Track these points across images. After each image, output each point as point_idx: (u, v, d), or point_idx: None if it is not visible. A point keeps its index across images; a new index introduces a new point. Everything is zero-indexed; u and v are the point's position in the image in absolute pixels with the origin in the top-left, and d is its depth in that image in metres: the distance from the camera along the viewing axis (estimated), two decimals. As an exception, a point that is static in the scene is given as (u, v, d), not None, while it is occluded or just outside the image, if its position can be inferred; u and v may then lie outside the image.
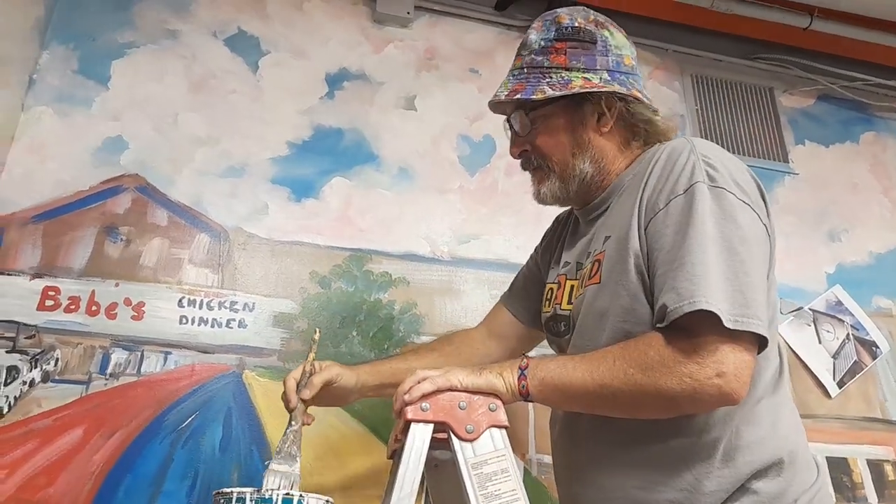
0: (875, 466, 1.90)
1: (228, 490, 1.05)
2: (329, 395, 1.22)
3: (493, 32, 2.16)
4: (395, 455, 1.26)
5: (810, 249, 2.15)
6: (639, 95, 1.12)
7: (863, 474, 1.88)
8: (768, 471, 0.97)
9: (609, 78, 1.11)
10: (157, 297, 1.62)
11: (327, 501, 1.09)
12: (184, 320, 1.61)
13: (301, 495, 1.04)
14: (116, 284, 1.61)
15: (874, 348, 2.08)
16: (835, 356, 2.04)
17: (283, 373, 1.60)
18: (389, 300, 1.75)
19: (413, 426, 1.02)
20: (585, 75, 1.11)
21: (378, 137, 1.93)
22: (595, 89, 1.10)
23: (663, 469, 1.00)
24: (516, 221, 1.90)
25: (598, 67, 1.11)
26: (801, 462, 1.00)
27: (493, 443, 1.01)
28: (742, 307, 0.88)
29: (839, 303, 2.12)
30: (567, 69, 1.12)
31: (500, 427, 1.02)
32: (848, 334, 2.08)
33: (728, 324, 0.86)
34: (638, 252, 1.01)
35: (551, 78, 1.11)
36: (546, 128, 1.15)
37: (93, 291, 1.60)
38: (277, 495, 1.02)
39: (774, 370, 1.04)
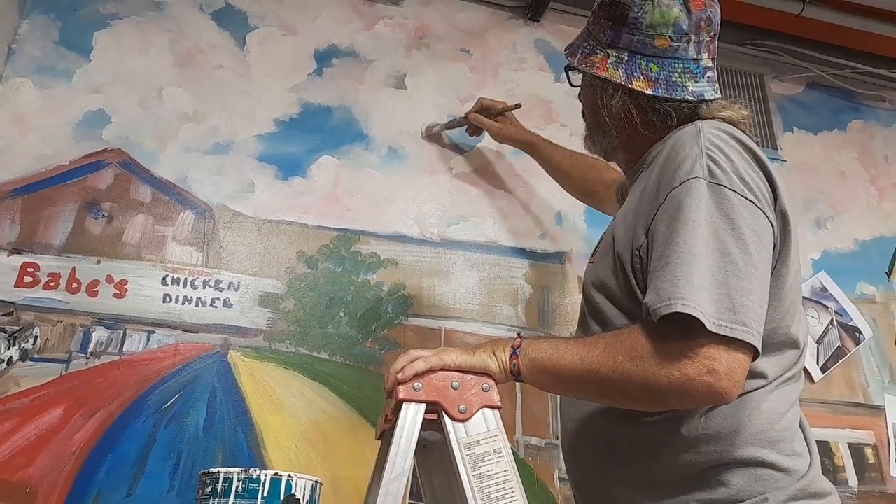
0: (856, 450, 1.92)
1: (215, 470, 1.03)
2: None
3: (486, 13, 2.13)
4: (385, 435, 1.24)
5: (797, 236, 2.16)
6: (640, 87, 1.09)
7: (844, 458, 1.90)
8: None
9: (627, 59, 1.09)
10: (140, 275, 1.59)
11: (316, 482, 1.07)
12: (167, 299, 1.58)
13: (290, 475, 1.02)
14: (98, 261, 1.57)
15: (857, 334, 2.10)
16: (819, 342, 2.05)
17: (270, 353, 1.60)
18: (377, 281, 1.73)
19: (405, 406, 1.01)
20: (608, 51, 1.11)
21: (367, 116, 1.90)
22: (600, 73, 1.10)
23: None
24: (506, 204, 1.88)
25: (621, 45, 1.10)
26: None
27: (486, 423, 1.00)
28: (729, 312, 0.85)
29: (824, 289, 2.13)
30: (597, 41, 1.14)
31: (492, 407, 1.01)
32: (832, 320, 2.10)
33: (711, 327, 0.84)
34: (629, 243, 1.01)
35: (587, 45, 1.15)
36: (582, 89, 1.23)
37: (73, 268, 1.56)
38: (266, 475, 1.01)
39: (787, 365, 1.01)
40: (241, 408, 1.52)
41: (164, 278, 1.59)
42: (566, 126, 1.99)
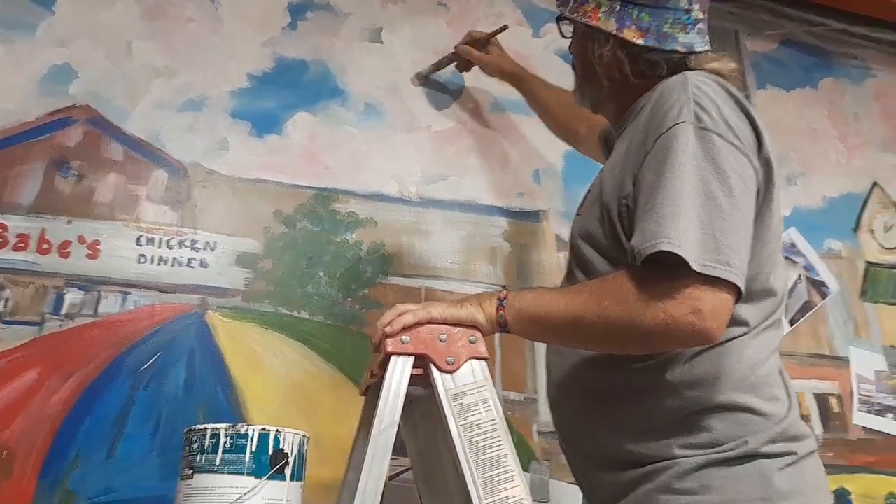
0: (822, 400, 1.99)
1: (202, 427, 1.03)
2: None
3: (462, -34, 2.08)
4: (371, 390, 1.25)
5: (769, 193, 2.19)
6: (631, 37, 1.08)
7: (810, 408, 1.97)
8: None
9: (619, 8, 1.08)
10: (114, 236, 1.55)
11: (304, 436, 1.08)
12: (142, 259, 1.55)
13: (277, 430, 1.02)
14: (69, 221, 1.53)
15: (824, 288, 2.15)
16: (788, 296, 2.10)
17: (249, 313, 1.58)
18: (357, 240, 1.72)
19: (393, 359, 1.01)
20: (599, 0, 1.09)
21: (344, 71, 1.86)
22: (591, 22, 1.09)
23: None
24: (483, 163, 1.87)
25: None
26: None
27: (474, 374, 1.01)
28: (713, 252, 0.86)
29: (793, 245, 2.18)
30: None
31: (480, 359, 1.02)
32: (800, 275, 2.15)
33: (695, 266, 0.85)
34: (616, 192, 1.02)
35: None
36: (573, 40, 1.22)
37: (43, 229, 1.51)
38: (253, 430, 1.01)
39: (767, 313, 1.03)
40: (220, 368, 1.51)
41: (138, 238, 1.56)
42: (544, 83, 1.97)
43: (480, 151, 1.88)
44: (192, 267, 1.57)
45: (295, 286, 1.63)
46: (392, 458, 1.50)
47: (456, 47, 1.81)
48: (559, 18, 1.23)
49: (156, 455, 1.41)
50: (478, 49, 1.78)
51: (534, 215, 1.84)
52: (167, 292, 1.54)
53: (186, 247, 1.58)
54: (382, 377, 1.02)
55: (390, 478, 1.50)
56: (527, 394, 1.69)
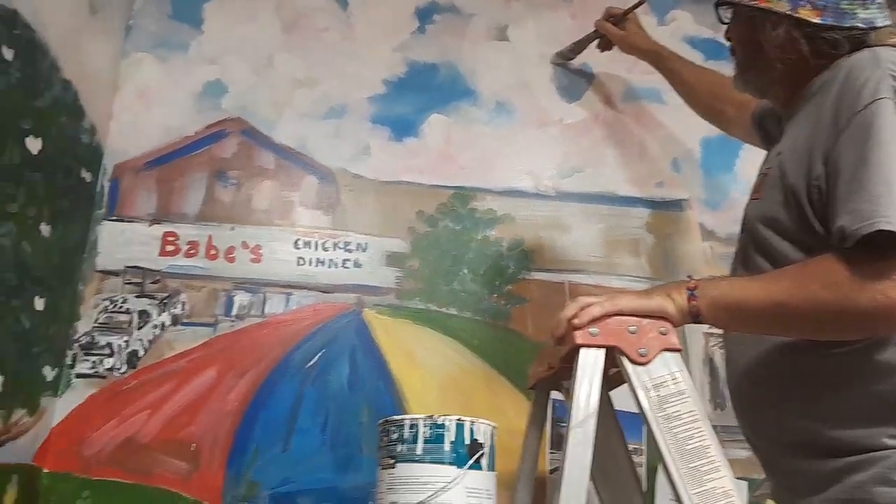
0: None
1: (399, 417, 1.07)
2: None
3: (582, -42, 2.07)
4: (541, 384, 1.26)
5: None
6: (807, 16, 1.05)
7: None
8: None
9: None
10: (273, 240, 1.63)
11: (493, 427, 1.10)
12: (301, 261, 1.62)
13: (472, 420, 1.05)
14: (232, 228, 1.63)
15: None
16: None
17: (402, 310, 1.63)
18: (497, 237, 1.74)
19: (583, 351, 1.01)
20: None
21: (473, 71, 1.88)
22: (761, 4, 1.06)
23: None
24: (619, 153, 1.85)
25: None
26: None
27: (668, 366, 1.00)
28: None
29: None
30: None
31: (672, 350, 1.01)
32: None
33: None
34: (803, 174, 0.99)
35: None
36: (735, 25, 1.17)
37: (210, 236, 1.61)
38: (450, 420, 1.04)
39: None
40: (380, 363, 1.57)
41: (296, 242, 1.64)
42: (674, 70, 1.93)
43: (615, 142, 1.86)
44: (347, 267, 1.64)
45: (441, 284, 1.67)
46: (550, 453, 1.53)
47: (595, 23, 1.79)
48: (718, 4, 1.20)
49: (327, 449, 1.48)
50: (615, 26, 1.75)
51: (676, 204, 1.81)
52: (326, 292, 1.61)
53: (340, 248, 1.65)
54: (571, 370, 1.03)
55: (551, 471, 1.51)
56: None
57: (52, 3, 1.38)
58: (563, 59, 1.89)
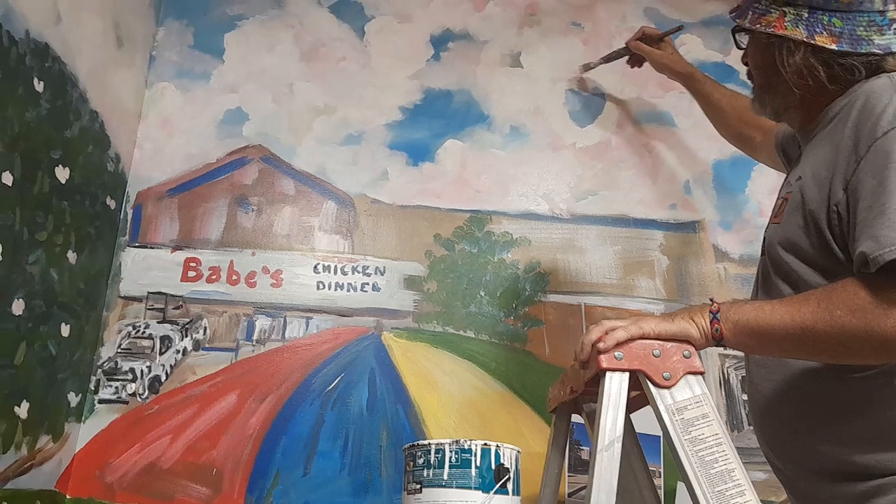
0: None
1: (424, 442, 1.08)
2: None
3: (592, -15, 2.11)
4: (561, 408, 1.27)
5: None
6: (823, 42, 1.07)
7: None
8: None
9: (807, 16, 1.07)
10: (294, 265, 1.65)
11: (517, 451, 1.11)
12: (321, 286, 1.64)
13: (497, 445, 1.06)
14: (253, 253, 1.65)
15: None
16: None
17: (420, 333, 1.65)
18: (513, 260, 1.76)
19: (608, 375, 1.03)
20: (784, 8, 1.08)
21: (487, 97, 1.92)
22: (778, 31, 1.08)
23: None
24: (633, 176, 1.88)
25: (799, 2, 1.08)
26: None
27: (692, 389, 1.01)
28: None
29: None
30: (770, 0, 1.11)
31: (696, 373, 1.02)
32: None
33: None
34: (824, 200, 1.00)
35: (759, 5, 1.12)
36: (751, 50, 1.19)
37: (231, 261, 1.64)
38: (476, 445, 1.05)
39: None
40: (399, 386, 1.58)
41: (315, 266, 1.66)
42: (684, 94, 1.95)
43: (628, 165, 1.88)
44: (366, 291, 1.65)
45: (459, 306, 1.69)
46: (569, 476, 1.54)
47: (627, 43, 1.82)
48: (735, 30, 1.22)
49: (346, 473, 1.48)
50: (650, 45, 1.78)
51: (690, 226, 1.83)
52: (345, 315, 1.62)
53: (359, 272, 1.67)
54: (599, 393, 1.04)
55: (570, 494, 1.51)
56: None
57: (81, 37, 1.42)
58: (589, 70, 1.93)
